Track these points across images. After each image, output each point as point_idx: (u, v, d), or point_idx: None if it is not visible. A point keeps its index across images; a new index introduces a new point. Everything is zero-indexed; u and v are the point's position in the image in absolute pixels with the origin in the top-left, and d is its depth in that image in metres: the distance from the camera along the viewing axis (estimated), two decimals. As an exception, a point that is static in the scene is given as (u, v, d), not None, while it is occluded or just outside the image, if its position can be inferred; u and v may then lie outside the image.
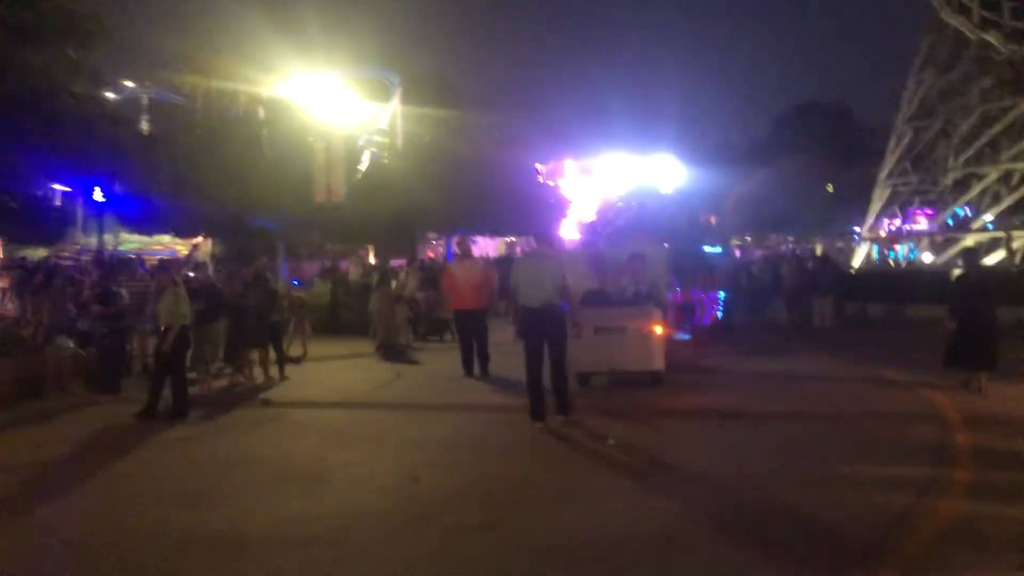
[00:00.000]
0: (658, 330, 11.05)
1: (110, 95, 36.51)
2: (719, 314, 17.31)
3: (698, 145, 67.05)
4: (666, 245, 14.06)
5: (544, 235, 10.25)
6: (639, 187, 26.41)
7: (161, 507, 6.49)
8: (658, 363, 11.07)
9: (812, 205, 50.88)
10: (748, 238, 60.12)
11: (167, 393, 10.19)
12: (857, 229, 46.72)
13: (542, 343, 8.95)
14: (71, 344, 12.46)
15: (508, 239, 47.71)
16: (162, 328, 10.26)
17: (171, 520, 6.14)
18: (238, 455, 8.19)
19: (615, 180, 41.30)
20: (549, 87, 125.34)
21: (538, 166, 44.38)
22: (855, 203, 45.51)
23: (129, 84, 50.49)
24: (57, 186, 20.80)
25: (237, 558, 5.34)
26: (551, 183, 42.63)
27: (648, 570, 5.05)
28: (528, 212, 35.45)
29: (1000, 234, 26.03)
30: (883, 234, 34.35)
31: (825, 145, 58.96)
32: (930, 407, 9.74)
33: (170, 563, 5.33)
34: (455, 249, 15.61)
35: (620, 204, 17.86)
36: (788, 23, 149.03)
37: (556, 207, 38.73)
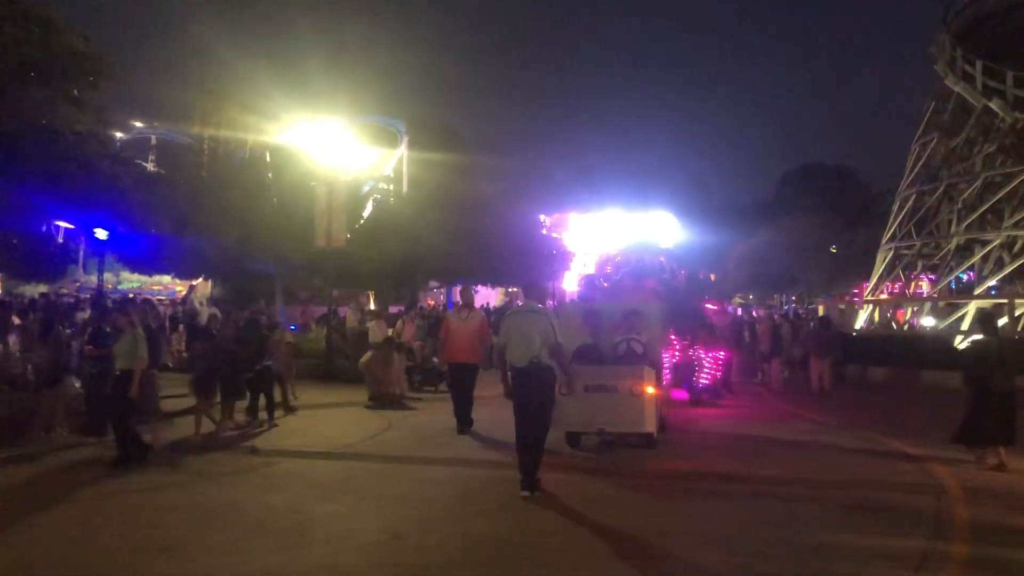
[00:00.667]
0: (650, 390, 10.52)
1: (118, 134, 36.94)
2: (718, 374, 16.74)
3: (702, 203, 67.60)
4: (661, 303, 13.53)
5: (534, 288, 9.21)
6: (638, 242, 26.27)
7: (136, 556, 6.33)
8: (649, 425, 10.57)
9: (815, 266, 50.89)
10: (751, 296, 60.12)
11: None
12: (858, 292, 46.73)
13: (533, 404, 8.37)
14: (77, 385, 12.29)
15: (509, 289, 47.81)
16: (118, 371, 10.09)
17: (145, 570, 5.96)
18: (219, 504, 8.01)
19: (614, 235, 41.57)
20: (555, 142, 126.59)
21: (542, 218, 44.63)
22: (859, 265, 45.54)
23: (138, 124, 50.98)
24: (61, 223, 20.83)
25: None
26: (555, 235, 42.79)
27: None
28: (530, 263, 35.50)
29: (1003, 300, 25.90)
30: (884, 297, 34.24)
31: (829, 206, 59.30)
32: (930, 477, 9.53)
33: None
34: (456, 299, 15.31)
35: (619, 259, 17.58)
36: (795, 85, 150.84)
37: (559, 259, 38.80)
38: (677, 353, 15.77)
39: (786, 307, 54.37)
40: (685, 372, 16.27)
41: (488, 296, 47.12)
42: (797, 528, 7.27)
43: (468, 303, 13.19)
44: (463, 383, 12.51)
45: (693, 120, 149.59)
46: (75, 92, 15.96)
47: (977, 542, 6.85)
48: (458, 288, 17.26)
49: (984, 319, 10.00)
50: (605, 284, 15.91)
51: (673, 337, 15.39)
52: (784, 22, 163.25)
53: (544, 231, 41.54)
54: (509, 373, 8.51)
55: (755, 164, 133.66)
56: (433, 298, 45.87)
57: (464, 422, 12.35)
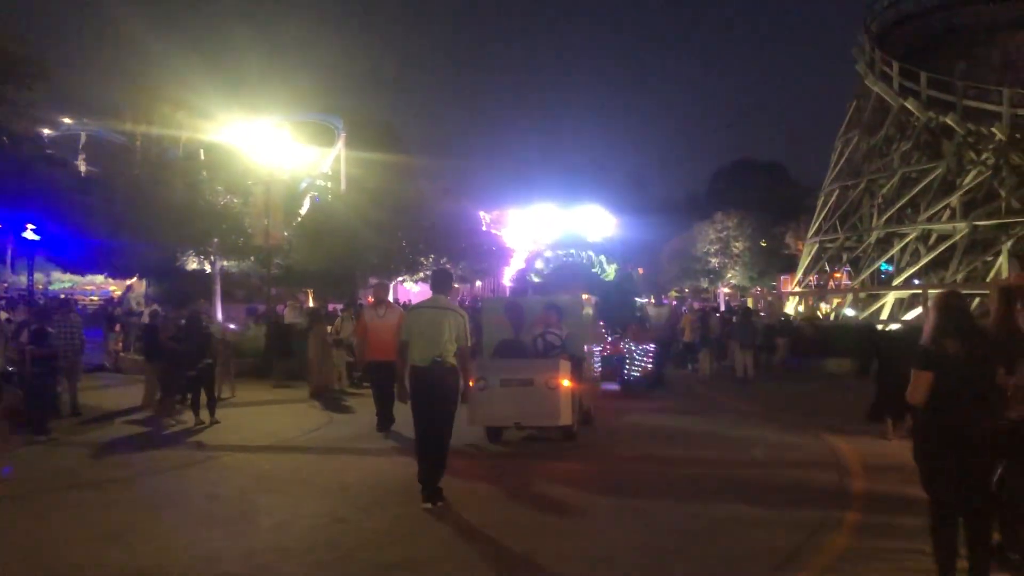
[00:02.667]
0: (566, 384, 10.46)
1: (46, 131, 36.29)
2: (650, 366, 16.97)
3: (638, 200, 68.75)
4: (586, 296, 13.62)
5: (442, 278, 8.54)
6: (566, 235, 26.41)
7: (86, 546, 6.62)
8: (565, 418, 10.50)
9: (745, 260, 52.28)
10: (686, 290, 61.41)
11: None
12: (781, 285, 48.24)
13: (434, 409, 7.79)
14: (20, 394, 12.29)
15: (455, 285, 48.23)
16: None
17: (95, 559, 6.28)
18: (166, 497, 8.34)
19: (548, 230, 41.72)
20: (493, 140, 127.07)
21: (482, 215, 45.12)
22: (788, 258, 47.10)
23: (67, 121, 50.07)
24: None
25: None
26: (495, 232, 43.31)
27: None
28: (471, 259, 36.00)
29: (918, 291, 27.27)
30: (800, 289, 35.58)
31: (760, 201, 60.82)
32: (835, 455, 10.31)
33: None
34: (369, 297, 14.71)
35: (548, 254, 17.92)
36: (729, 83, 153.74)
37: (499, 255, 39.34)
38: (608, 346, 16.07)
39: (718, 301, 55.67)
40: (617, 365, 16.57)
41: (429, 293, 47.40)
42: (706, 503, 7.92)
43: (382, 300, 12.91)
44: (382, 381, 11.93)
45: (629, 118, 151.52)
46: (10, 95, 15.91)
47: (869, 511, 7.57)
48: (371, 286, 17.32)
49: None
50: (536, 279, 16.30)
51: (604, 330, 15.75)
52: (716, 19, 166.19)
53: (484, 227, 42.05)
54: (408, 374, 7.90)
55: (690, 161, 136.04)
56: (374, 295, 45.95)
57: (384, 421, 12.03)
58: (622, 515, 7.59)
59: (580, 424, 11.38)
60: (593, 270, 17.24)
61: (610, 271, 17.41)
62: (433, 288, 8.59)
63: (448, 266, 35.84)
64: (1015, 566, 5.73)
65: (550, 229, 39.46)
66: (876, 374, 11.65)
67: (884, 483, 8.65)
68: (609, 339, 16.24)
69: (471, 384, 8.42)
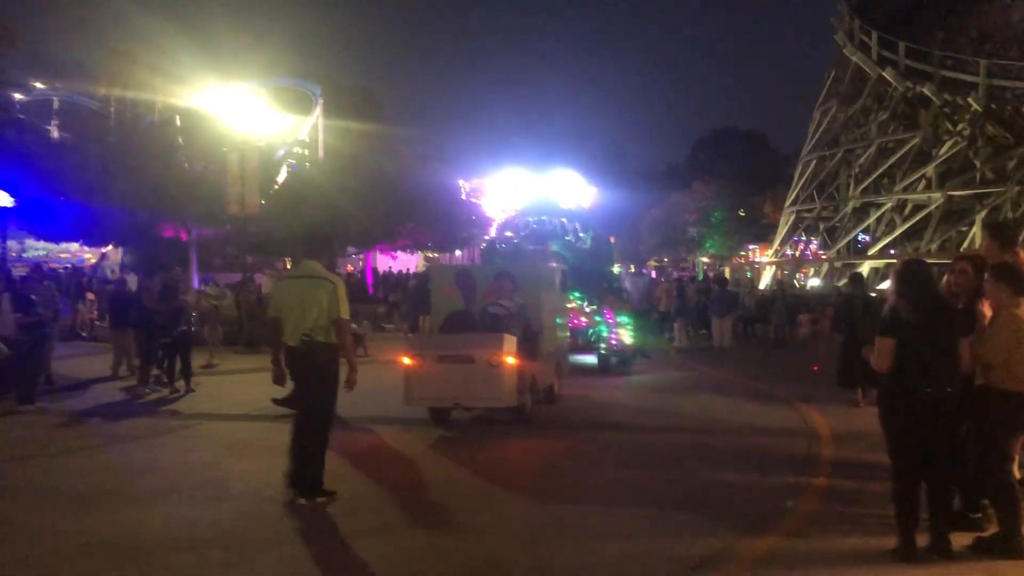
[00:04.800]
0: (510, 360, 9.50)
1: (18, 96, 35.65)
2: (627, 338, 16.04)
3: (618, 168, 68.69)
4: (553, 265, 12.97)
5: (314, 243, 7.48)
6: (534, 201, 25.25)
7: (59, 512, 6.62)
8: (508, 398, 9.60)
9: (724, 229, 52.56)
10: (666, 260, 61.67)
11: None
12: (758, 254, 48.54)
13: (305, 393, 7.06)
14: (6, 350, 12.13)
15: (430, 254, 48.01)
16: None
17: (69, 524, 6.28)
18: (139, 464, 8.34)
19: (515, 196, 40.32)
20: (472, 107, 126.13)
21: (462, 183, 44.89)
22: (767, 228, 47.35)
23: (39, 85, 49.15)
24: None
25: (134, 559, 5.55)
26: (474, 200, 43.13)
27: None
28: (449, 228, 35.91)
29: (893, 260, 27.53)
30: (774, 258, 35.87)
31: (740, 171, 61.05)
32: (805, 423, 10.46)
33: (69, 564, 5.51)
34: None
35: (518, 221, 17.48)
36: (711, 50, 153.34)
37: (478, 224, 39.21)
38: (582, 319, 15.62)
39: (697, 270, 55.97)
40: (592, 338, 15.90)
41: (408, 262, 47.28)
42: (678, 471, 8.03)
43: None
44: None
45: (610, 88, 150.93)
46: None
47: (836, 476, 7.71)
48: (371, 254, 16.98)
49: (853, 279, 11.28)
50: (504, 247, 15.96)
51: (579, 302, 15.43)
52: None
53: (464, 196, 41.85)
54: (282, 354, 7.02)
55: (671, 130, 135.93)
56: (352, 264, 45.81)
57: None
58: (588, 486, 7.67)
59: (535, 403, 10.60)
60: (567, 238, 16.73)
61: (586, 239, 16.93)
62: (306, 253, 7.35)
63: (426, 235, 35.84)
64: (976, 526, 5.86)
65: (522, 195, 37.34)
66: (843, 342, 11.80)
67: (852, 450, 8.79)
68: (584, 311, 15.71)
69: (354, 369, 6.93)
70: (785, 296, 21.75)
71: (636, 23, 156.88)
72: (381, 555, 5.66)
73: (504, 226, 19.73)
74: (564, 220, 17.51)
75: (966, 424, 5.83)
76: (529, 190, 39.09)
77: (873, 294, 13.74)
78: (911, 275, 5.68)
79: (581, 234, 17.02)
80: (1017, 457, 7.15)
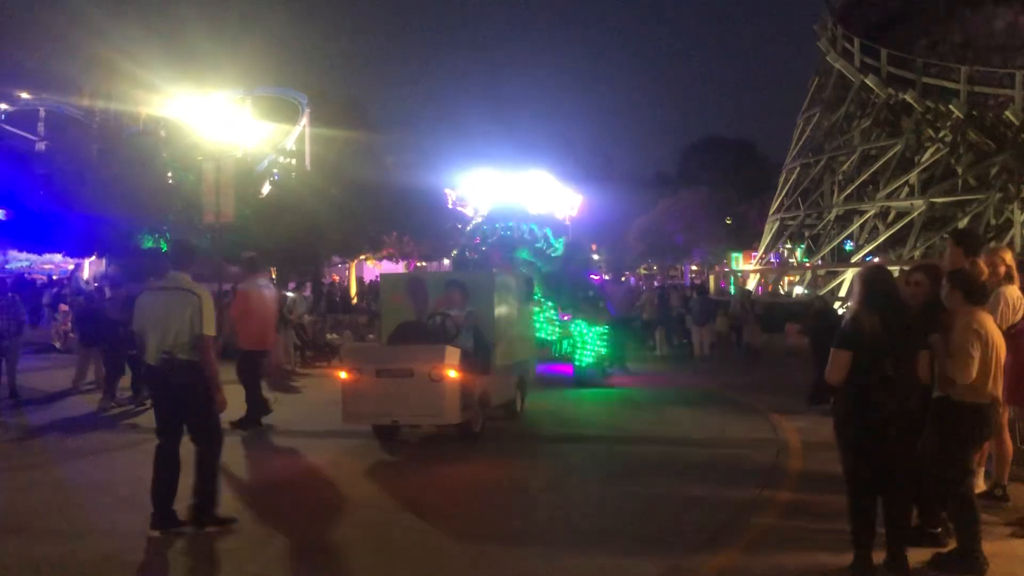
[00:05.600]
0: (452, 374, 8.90)
1: (3, 106, 35.46)
2: (603, 349, 15.46)
3: (606, 175, 68.64)
4: (517, 273, 12.44)
5: (179, 255, 6.89)
6: (503, 206, 24.20)
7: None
8: (451, 415, 9.01)
9: (711, 236, 52.61)
10: (655, 268, 61.74)
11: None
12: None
13: (176, 413, 6.53)
14: None
15: (419, 263, 47.85)
16: None
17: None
18: (89, 481, 8.16)
19: (483, 199, 38.63)
20: (458, 113, 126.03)
21: (448, 192, 44.75)
22: (753, 236, 47.39)
23: (24, 96, 49.04)
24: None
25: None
26: (460, 208, 42.98)
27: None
28: (436, 237, 35.77)
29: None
30: (754, 267, 35.86)
31: (728, 178, 61.16)
32: (776, 433, 10.33)
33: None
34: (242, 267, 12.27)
35: (485, 227, 17.05)
36: (700, 58, 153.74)
37: (463, 232, 39.01)
38: (557, 328, 15.20)
39: (683, 279, 56.01)
40: (568, 349, 15.34)
41: (395, 272, 47.08)
42: (641, 483, 7.90)
43: (256, 268, 11.69)
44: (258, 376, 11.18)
45: (599, 93, 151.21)
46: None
47: (801, 490, 7.58)
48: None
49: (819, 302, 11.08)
50: (472, 255, 15.63)
51: (551, 312, 15.00)
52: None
53: (450, 205, 41.72)
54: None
55: (660, 138, 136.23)
56: (337, 273, 45.64)
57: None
58: (545, 496, 7.54)
59: (488, 419, 10.15)
60: (537, 245, 16.26)
61: (557, 245, 16.50)
62: (173, 263, 6.85)
63: (411, 244, 35.67)
64: (935, 541, 5.73)
65: (492, 198, 35.62)
66: (811, 355, 11.43)
67: (819, 463, 8.60)
68: (555, 321, 15.22)
69: (218, 389, 6.43)
70: (753, 306, 21.34)
71: (624, 30, 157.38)
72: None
73: (472, 232, 19.24)
74: (534, 226, 16.97)
75: (924, 437, 5.70)
76: (499, 193, 36.97)
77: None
78: (878, 284, 5.46)
79: (553, 241, 16.61)
80: (982, 470, 7.07)
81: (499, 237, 15.99)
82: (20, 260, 42.98)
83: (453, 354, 9.06)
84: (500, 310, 10.65)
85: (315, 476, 8.37)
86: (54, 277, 35.49)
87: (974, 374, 5.40)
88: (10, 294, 14.18)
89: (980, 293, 5.68)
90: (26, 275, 35.23)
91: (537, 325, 14.20)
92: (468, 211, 43.59)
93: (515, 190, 38.44)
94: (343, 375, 9.27)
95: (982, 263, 6.45)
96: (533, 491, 7.74)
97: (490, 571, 5.61)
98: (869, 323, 5.29)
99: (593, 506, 7.18)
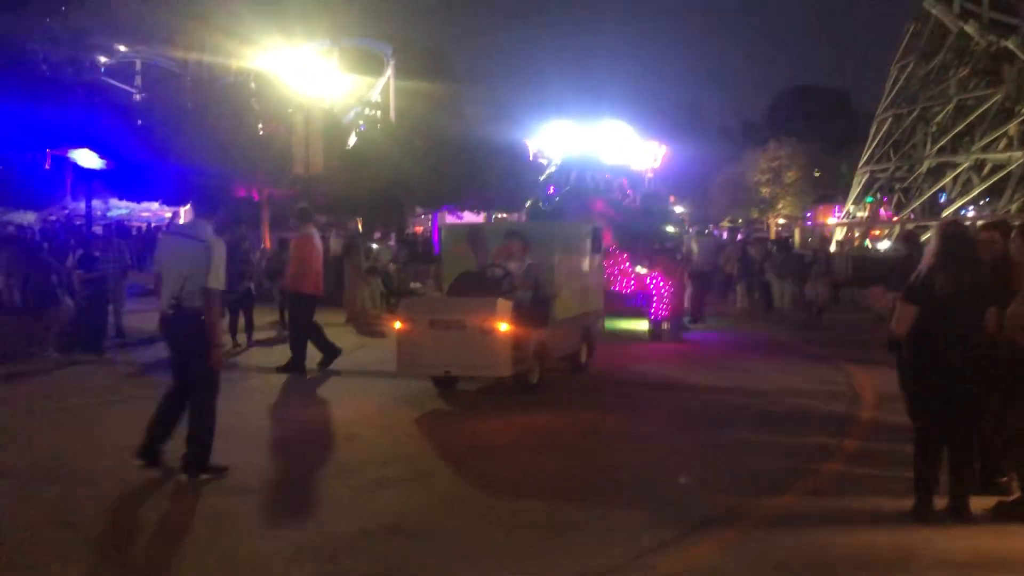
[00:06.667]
0: (503, 327, 8.77)
1: (103, 59, 36.81)
2: (681, 304, 15.11)
3: (693, 125, 67.41)
4: (587, 224, 12.03)
5: (205, 205, 6.89)
6: (577, 155, 23.25)
7: (109, 455, 6.93)
8: (504, 368, 8.91)
9: (798, 189, 51.40)
10: (740, 221, 60.70)
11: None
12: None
13: (175, 363, 6.57)
14: (71, 304, 12.71)
15: (500, 215, 48.15)
16: None
17: (115, 466, 6.63)
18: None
19: (559, 149, 37.31)
20: (542, 63, 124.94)
21: (529, 143, 44.73)
22: (844, 188, 46.14)
23: (122, 48, 50.69)
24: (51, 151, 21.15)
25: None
26: (542, 160, 42.95)
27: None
28: (516, 189, 35.94)
29: (967, 221, 26.63)
30: (837, 221, 34.95)
31: (818, 129, 59.42)
32: (850, 386, 10.37)
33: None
34: (296, 217, 12.70)
35: (557, 177, 16.75)
36: (790, 6, 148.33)
37: (544, 185, 39.03)
38: (632, 283, 14.81)
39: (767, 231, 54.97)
40: (643, 303, 14.83)
41: (476, 222, 47.43)
42: (711, 430, 8.09)
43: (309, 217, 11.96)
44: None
45: (688, 40, 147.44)
46: (47, 21, 16.16)
47: (870, 439, 7.68)
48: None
49: (907, 238, 10.86)
50: (544, 207, 15.46)
51: (627, 264, 14.76)
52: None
53: (531, 157, 41.72)
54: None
55: (748, 87, 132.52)
56: (420, 224, 46.30)
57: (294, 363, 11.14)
58: (615, 441, 7.75)
59: (550, 372, 10.00)
60: (612, 196, 15.92)
61: (635, 196, 16.16)
62: (195, 211, 6.66)
63: (492, 196, 35.87)
64: (1000, 491, 5.79)
65: (566, 148, 34.57)
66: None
67: (891, 412, 8.60)
68: (633, 274, 14.85)
69: (216, 346, 6.38)
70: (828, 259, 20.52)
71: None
72: (402, 501, 5.90)
73: (545, 183, 18.98)
74: (608, 176, 16.64)
75: (990, 388, 5.73)
76: (574, 144, 35.63)
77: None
78: (955, 241, 5.45)
79: (629, 191, 16.32)
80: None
81: (571, 187, 15.74)
82: (120, 208, 44.97)
83: (505, 307, 8.91)
84: (561, 261, 10.41)
85: (362, 420, 8.42)
86: (152, 225, 37.01)
87: None
88: (114, 239, 14.97)
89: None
90: (124, 223, 36.92)
91: (608, 277, 13.86)
92: (544, 162, 43.57)
93: (591, 140, 36.86)
94: (397, 325, 9.28)
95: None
96: (589, 439, 7.80)
97: (529, 518, 5.58)
98: (942, 280, 5.34)
99: (654, 453, 7.27)
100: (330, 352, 11.30)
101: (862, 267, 23.50)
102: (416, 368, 9.33)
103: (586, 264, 11.38)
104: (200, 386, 6.39)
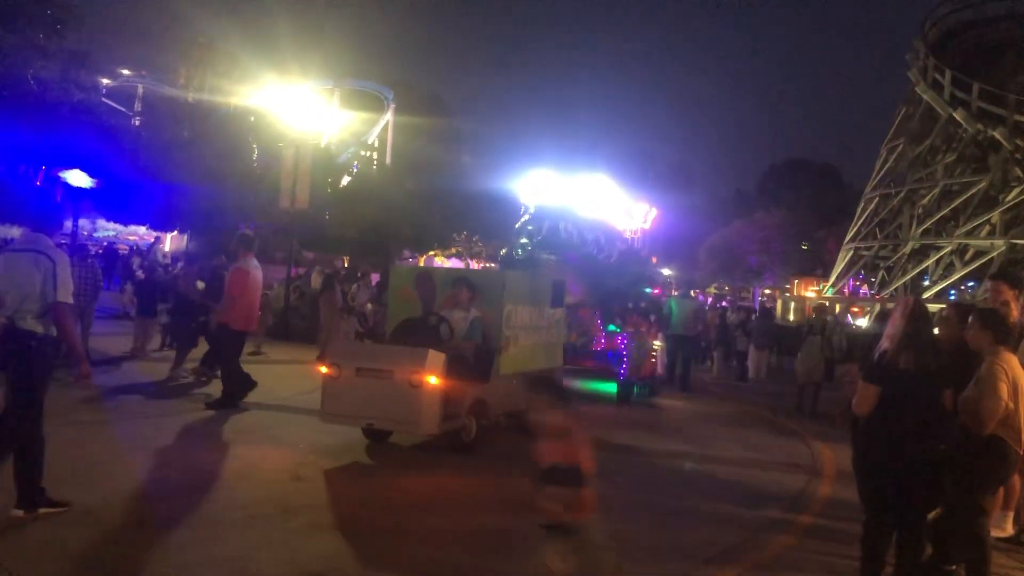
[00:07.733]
0: (432, 381, 8.16)
1: (105, 81, 37.05)
2: (653, 368, 14.61)
3: (685, 192, 68.02)
4: (547, 275, 11.58)
5: (44, 219, 6.24)
6: (548, 205, 22.70)
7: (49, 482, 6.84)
8: (428, 424, 8.27)
9: (784, 260, 51.77)
10: (727, 288, 61.00)
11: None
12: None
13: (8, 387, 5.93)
14: None
15: (484, 264, 48.21)
16: None
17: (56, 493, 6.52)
18: (140, 440, 8.57)
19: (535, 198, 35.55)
20: (539, 117, 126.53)
21: (518, 193, 45.04)
22: (828, 263, 46.49)
23: (125, 72, 51.14)
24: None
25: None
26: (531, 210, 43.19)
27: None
28: (504, 238, 36.07)
29: (942, 304, 26.81)
30: (821, 294, 35.11)
31: (808, 202, 60.11)
32: (814, 459, 10.29)
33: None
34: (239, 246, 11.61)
35: (530, 227, 16.49)
36: (788, 81, 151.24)
37: (516, 231, 39.19)
38: (602, 340, 14.20)
39: (753, 300, 55.20)
40: (611, 362, 13.96)
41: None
42: (662, 497, 7.99)
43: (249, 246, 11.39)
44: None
45: (684, 109, 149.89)
46: (40, 39, 16.19)
47: (824, 515, 7.59)
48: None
49: (887, 316, 10.85)
50: (519, 255, 15.31)
51: (597, 321, 14.44)
52: (774, 14, 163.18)
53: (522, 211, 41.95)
54: None
55: (741, 158, 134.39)
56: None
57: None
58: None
59: (484, 428, 9.23)
60: (585, 250, 15.68)
61: (611, 253, 15.97)
62: (31, 225, 6.25)
63: (479, 244, 36.01)
64: (947, 577, 5.71)
65: (543, 198, 33.55)
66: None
67: (850, 490, 8.54)
68: (603, 332, 14.35)
69: (81, 359, 6.09)
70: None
71: (714, 47, 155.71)
72: (329, 548, 5.76)
73: (519, 232, 18.69)
74: (577, 230, 16.24)
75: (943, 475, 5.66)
76: (551, 194, 34.84)
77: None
78: (922, 319, 5.29)
79: (604, 246, 16.17)
80: (1010, 514, 6.99)
81: (543, 237, 15.51)
82: (108, 229, 44.90)
83: (436, 359, 8.28)
84: (511, 313, 9.70)
85: (257, 466, 7.90)
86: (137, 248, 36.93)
87: (1001, 412, 5.39)
88: (90, 259, 14.86)
89: (1008, 334, 5.67)
90: (111, 245, 36.89)
91: (569, 332, 13.14)
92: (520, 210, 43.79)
93: (569, 192, 36.05)
94: (323, 370, 8.70)
95: (1014, 304, 6.41)
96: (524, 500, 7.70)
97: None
98: (906, 360, 5.20)
99: (603, 518, 7.08)
100: (238, 391, 10.96)
101: (853, 344, 23.40)
102: (339, 418, 8.73)
103: (542, 317, 10.64)
104: (22, 415, 5.80)
